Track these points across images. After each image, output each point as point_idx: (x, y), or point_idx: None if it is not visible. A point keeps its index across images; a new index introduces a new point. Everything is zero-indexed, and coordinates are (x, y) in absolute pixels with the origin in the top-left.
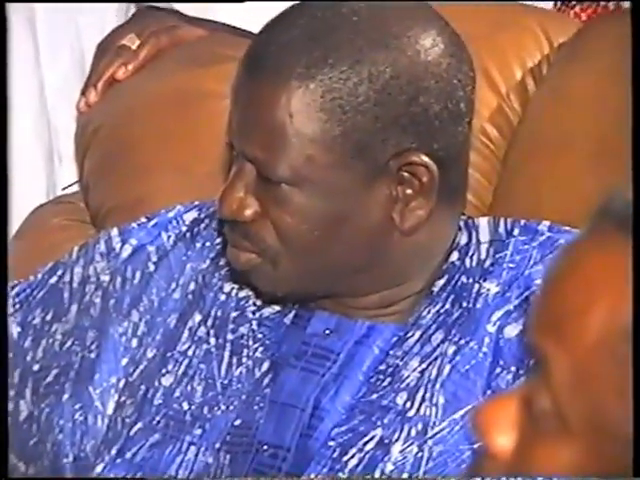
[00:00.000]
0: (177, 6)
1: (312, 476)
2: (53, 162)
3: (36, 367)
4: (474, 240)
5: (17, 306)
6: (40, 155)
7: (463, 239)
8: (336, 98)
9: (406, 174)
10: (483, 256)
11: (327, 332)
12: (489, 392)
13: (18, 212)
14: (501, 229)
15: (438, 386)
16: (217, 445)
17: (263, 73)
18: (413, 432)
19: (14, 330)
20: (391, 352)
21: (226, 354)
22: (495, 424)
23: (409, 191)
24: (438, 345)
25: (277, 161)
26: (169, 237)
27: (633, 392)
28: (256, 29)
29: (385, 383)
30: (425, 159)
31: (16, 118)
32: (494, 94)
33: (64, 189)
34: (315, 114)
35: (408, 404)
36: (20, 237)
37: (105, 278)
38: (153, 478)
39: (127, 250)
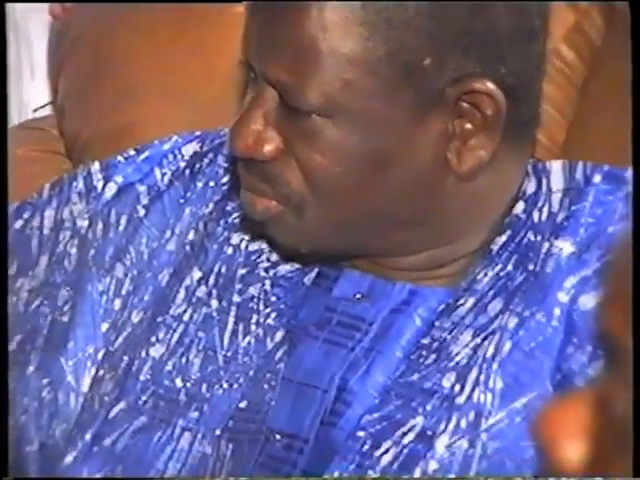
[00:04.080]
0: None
1: (336, 474)
2: (22, 78)
3: None
4: (544, 188)
5: None
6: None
7: (531, 187)
8: (381, 9)
9: (466, 105)
10: (555, 208)
11: (358, 296)
12: (558, 376)
13: None
14: (578, 175)
15: (495, 367)
16: (217, 432)
17: None
18: (463, 423)
19: None
20: (437, 323)
21: (230, 320)
22: (563, 433)
23: (469, 126)
24: (496, 316)
25: (306, 86)
26: (163, 175)
27: (633, 392)
28: None
29: (429, 361)
30: (490, 86)
31: None
32: (570, 7)
33: (35, 110)
34: (355, 29)
35: (457, 388)
36: None
37: (83, 223)
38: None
39: (111, 189)
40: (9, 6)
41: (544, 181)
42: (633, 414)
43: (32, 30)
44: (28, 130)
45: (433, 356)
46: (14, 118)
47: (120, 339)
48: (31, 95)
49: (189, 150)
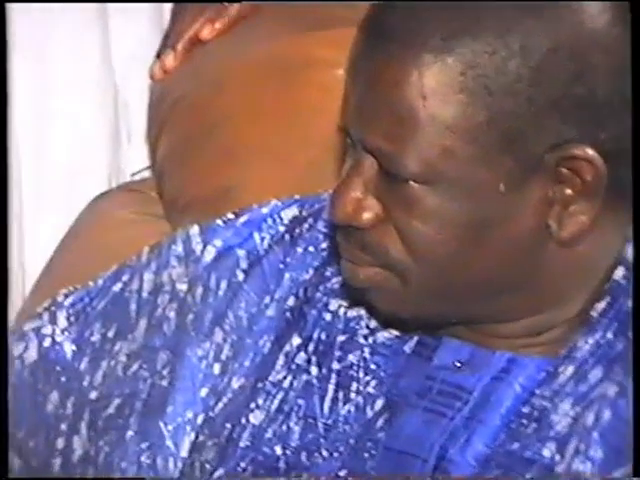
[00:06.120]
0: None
1: None
2: (120, 142)
3: (94, 395)
4: None
5: (72, 319)
6: (103, 133)
7: (631, 252)
8: (480, 76)
9: (566, 171)
10: None
11: (458, 365)
12: None
13: (74, 202)
14: None
15: (596, 436)
16: None
17: (389, 43)
18: None
19: (68, 349)
20: (537, 391)
21: (331, 387)
22: None
23: (569, 192)
24: (596, 384)
25: (406, 154)
26: (263, 239)
27: (633, 392)
28: None
29: (529, 430)
30: (590, 152)
31: (74, 89)
32: None
33: (133, 175)
34: (454, 96)
35: (557, 457)
36: (76, 233)
37: (182, 287)
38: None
39: (210, 253)
40: (107, 70)
41: None
42: (633, 414)
43: (130, 95)
44: (129, 192)
45: (533, 425)
46: (112, 182)
47: (220, 404)
48: (127, 160)
49: (288, 214)
